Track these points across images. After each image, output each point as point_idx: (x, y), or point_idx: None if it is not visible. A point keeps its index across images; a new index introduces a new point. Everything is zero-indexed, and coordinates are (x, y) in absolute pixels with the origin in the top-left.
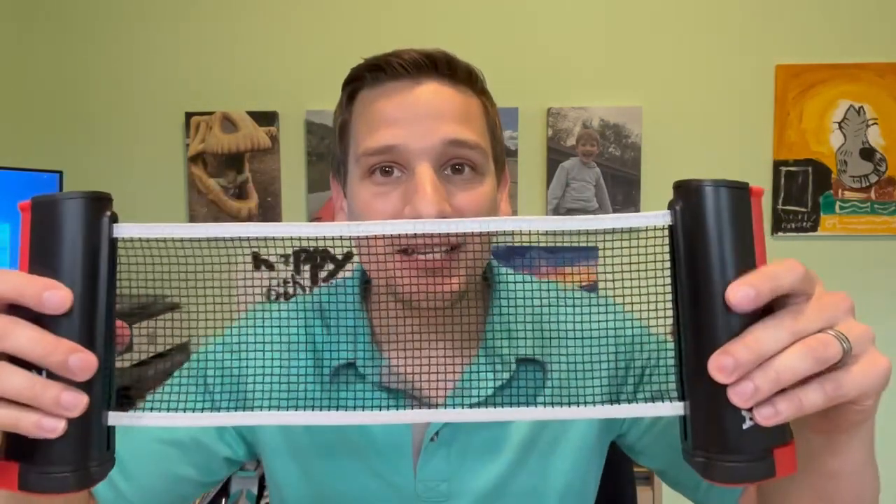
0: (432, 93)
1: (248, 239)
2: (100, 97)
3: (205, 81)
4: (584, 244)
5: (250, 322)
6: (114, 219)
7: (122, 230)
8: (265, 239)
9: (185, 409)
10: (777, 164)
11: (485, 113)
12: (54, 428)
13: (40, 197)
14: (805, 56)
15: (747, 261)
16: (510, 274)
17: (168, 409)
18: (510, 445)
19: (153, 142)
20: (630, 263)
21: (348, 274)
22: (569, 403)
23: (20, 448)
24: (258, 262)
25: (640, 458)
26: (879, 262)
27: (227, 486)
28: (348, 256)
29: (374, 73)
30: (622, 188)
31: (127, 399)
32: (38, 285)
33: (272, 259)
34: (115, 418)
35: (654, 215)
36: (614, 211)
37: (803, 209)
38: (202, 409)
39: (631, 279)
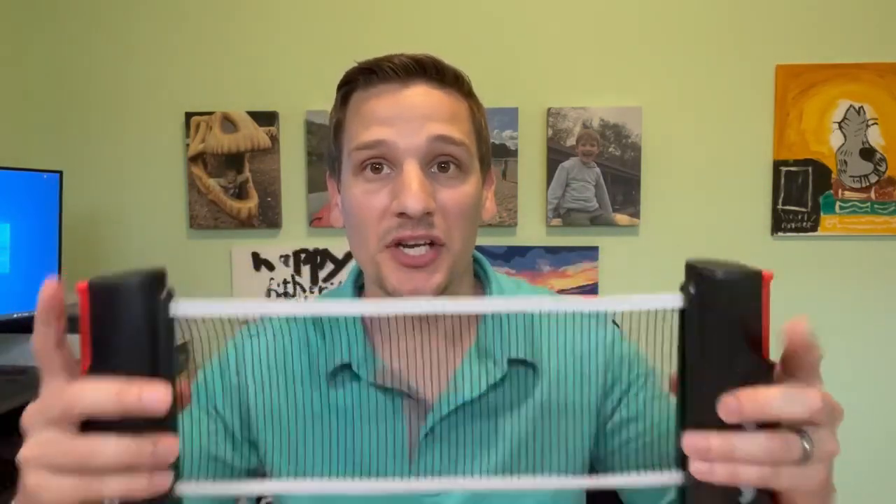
0: (421, 94)
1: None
2: (100, 97)
3: (205, 81)
4: (585, 245)
5: (247, 337)
6: (170, 296)
7: (180, 309)
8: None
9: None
10: (777, 164)
11: (471, 114)
12: (164, 484)
13: (97, 281)
14: (805, 56)
15: (755, 352)
16: (502, 276)
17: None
18: (504, 439)
19: (153, 142)
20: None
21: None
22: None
23: None
24: (258, 262)
25: (602, 467)
26: (879, 262)
27: None
28: (348, 257)
29: (366, 76)
30: (622, 188)
31: None
32: (135, 394)
33: (272, 260)
34: (182, 488)
35: (667, 298)
36: (614, 211)
37: (803, 209)
38: (233, 450)
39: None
